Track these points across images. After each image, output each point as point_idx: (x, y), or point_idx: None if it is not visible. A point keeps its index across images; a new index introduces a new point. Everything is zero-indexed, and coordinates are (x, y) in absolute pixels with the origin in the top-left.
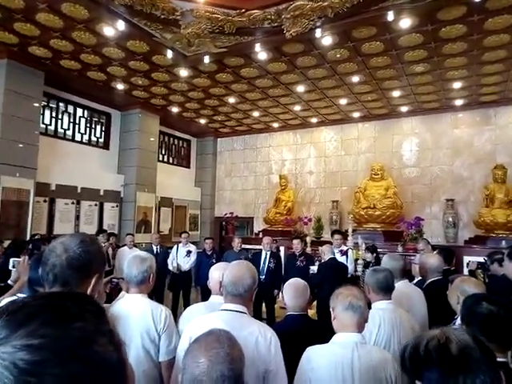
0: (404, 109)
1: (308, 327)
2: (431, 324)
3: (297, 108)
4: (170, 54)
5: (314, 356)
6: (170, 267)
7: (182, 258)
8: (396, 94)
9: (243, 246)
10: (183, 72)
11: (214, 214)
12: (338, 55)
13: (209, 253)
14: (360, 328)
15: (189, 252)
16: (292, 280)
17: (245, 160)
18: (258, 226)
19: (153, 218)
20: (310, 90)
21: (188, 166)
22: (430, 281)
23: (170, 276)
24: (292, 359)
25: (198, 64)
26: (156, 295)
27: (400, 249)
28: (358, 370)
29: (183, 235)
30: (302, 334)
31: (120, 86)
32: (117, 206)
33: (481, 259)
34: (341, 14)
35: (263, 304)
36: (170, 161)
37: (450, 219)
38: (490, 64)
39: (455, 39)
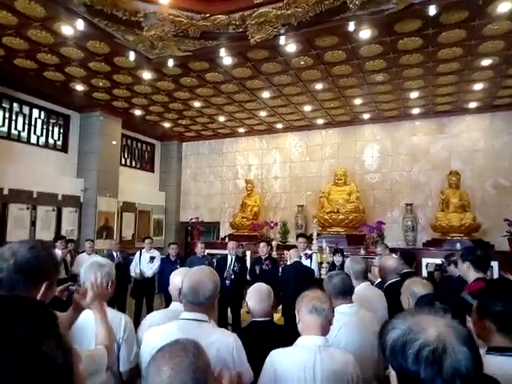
0: (366, 116)
1: (272, 333)
2: None
3: (262, 113)
4: (132, 56)
5: (278, 359)
6: (133, 274)
7: (145, 264)
8: (358, 101)
9: (209, 251)
10: (146, 75)
11: (179, 218)
12: (302, 62)
13: (173, 259)
14: (324, 331)
15: (152, 258)
16: (256, 285)
17: (211, 164)
18: (224, 230)
19: (115, 224)
20: (275, 96)
21: (152, 170)
22: (388, 282)
23: (133, 283)
24: (257, 365)
25: (162, 67)
26: (118, 303)
27: (363, 252)
28: (320, 373)
29: (146, 241)
30: (266, 340)
31: (79, 88)
32: (76, 212)
33: (438, 261)
34: (304, 22)
35: (228, 309)
36: (133, 165)
37: (409, 223)
38: (444, 75)
39: (412, 51)
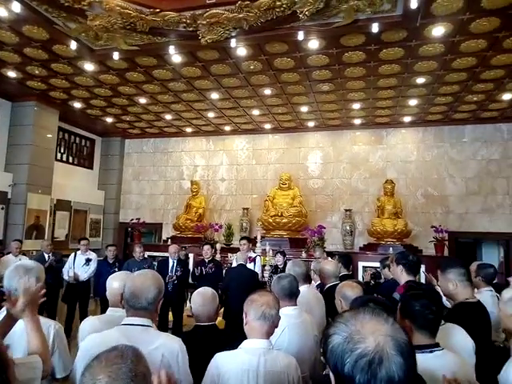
0: (311, 124)
1: (216, 338)
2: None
3: (210, 114)
4: (73, 45)
5: (222, 362)
6: (66, 277)
7: (79, 266)
8: (304, 109)
9: (151, 253)
10: (89, 66)
11: (119, 219)
12: (252, 67)
13: (111, 261)
14: (269, 334)
15: (88, 260)
16: (200, 289)
17: (155, 164)
18: (167, 232)
19: (47, 223)
20: (224, 98)
21: (91, 167)
22: (328, 286)
23: (65, 287)
24: (200, 370)
25: (107, 59)
26: (48, 309)
27: (304, 255)
28: (262, 376)
29: (82, 242)
30: (210, 344)
31: (12, 74)
32: (2, 209)
33: (373, 264)
34: (255, 27)
35: (170, 313)
36: (70, 160)
37: (348, 228)
38: (384, 89)
39: (355, 64)
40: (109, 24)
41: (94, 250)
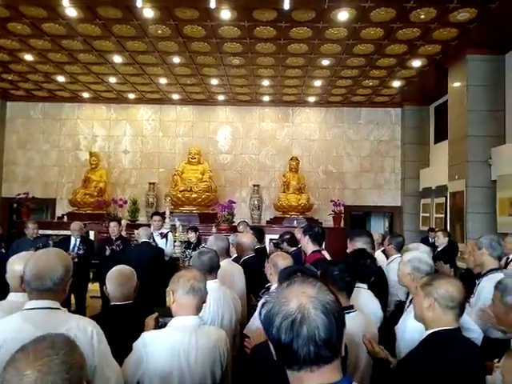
0: (220, 97)
1: (135, 316)
2: (248, 293)
3: (112, 80)
4: None
5: (151, 341)
6: None
7: None
8: (214, 81)
9: (43, 231)
10: None
11: (1, 193)
12: (160, 31)
13: None
14: (199, 310)
15: None
16: (117, 267)
17: (45, 131)
18: (62, 208)
19: None
20: (128, 62)
21: None
22: (244, 258)
23: None
24: (120, 351)
25: None
26: None
27: (214, 229)
28: (194, 353)
29: None
30: (129, 324)
31: None
32: None
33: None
34: None
35: (72, 294)
36: None
37: (256, 202)
38: (292, 68)
39: (266, 40)
40: None
41: None
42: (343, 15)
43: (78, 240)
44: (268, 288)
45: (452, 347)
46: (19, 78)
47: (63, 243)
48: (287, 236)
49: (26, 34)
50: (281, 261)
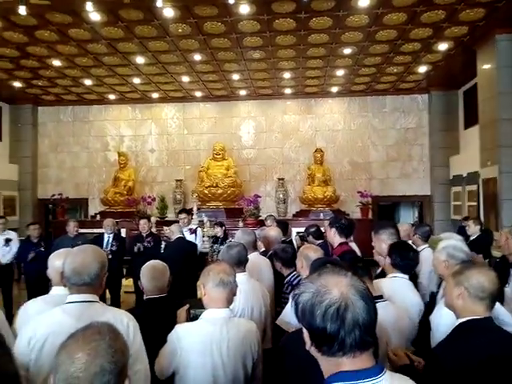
0: (242, 92)
1: (170, 308)
2: (277, 287)
3: (136, 80)
4: None
5: (184, 334)
6: None
7: None
8: (235, 77)
9: (79, 230)
10: None
11: (37, 195)
12: (180, 30)
13: (35, 240)
14: (229, 302)
15: (8, 240)
16: (151, 262)
17: (75, 134)
18: (95, 207)
19: None
20: (151, 63)
21: None
22: (272, 250)
23: None
24: (156, 342)
25: (11, 14)
26: None
27: (241, 224)
28: (226, 345)
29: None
30: (163, 315)
31: None
32: None
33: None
34: None
35: (106, 290)
36: None
37: (281, 196)
38: (313, 59)
39: (286, 32)
40: None
41: (11, 230)
42: (364, 2)
43: (111, 237)
44: (290, 281)
45: (481, 335)
46: (49, 84)
47: (97, 241)
48: (313, 229)
49: (54, 40)
50: (312, 253)
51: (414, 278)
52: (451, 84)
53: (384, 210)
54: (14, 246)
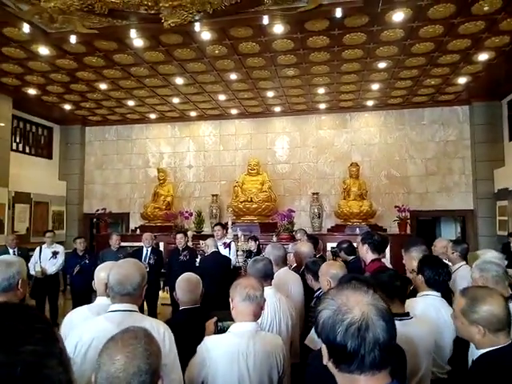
0: (277, 109)
1: (202, 318)
2: (306, 303)
3: (175, 100)
4: (26, 28)
5: (212, 346)
6: (32, 272)
7: (46, 260)
8: (270, 94)
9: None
10: (43, 50)
11: (83, 210)
12: (217, 51)
13: (81, 253)
14: (256, 316)
15: (55, 253)
16: (185, 275)
17: (118, 152)
18: (135, 222)
19: (6, 217)
20: (189, 83)
21: (50, 157)
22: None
23: (33, 282)
24: (189, 351)
25: (63, 43)
26: None
27: (275, 238)
28: (252, 358)
29: (48, 234)
30: (197, 325)
31: None
32: None
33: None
34: (219, 11)
35: (144, 302)
36: (27, 150)
37: (316, 210)
38: (347, 74)
39: (320, 49)
40: (65, 6)
41: (58, 243)
42: (398, 16)
43: (149, 250)
44: (319, 296)
45: (507, 364)
46: (95, 105)
47: (136, 254)
48: (345, 245)
49: (100, 65)
50: (338, 270)
51: (449, 296)
52: (494, 94)
53: (424, 225)
54: (61, 258)
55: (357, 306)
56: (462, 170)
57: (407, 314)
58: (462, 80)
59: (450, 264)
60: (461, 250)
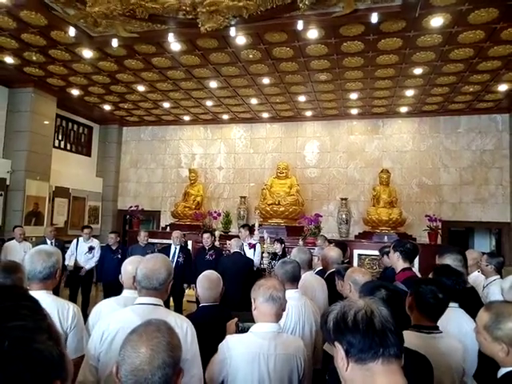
0: (308, 113)
1: (221, 316)
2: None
3: (209, 103)
4: (72, 31)
5: (233, 345)
6: (67, 262)
7: (82, 254)
8: (302, 98)
9: (149, 240)
10: (87, 53)
11: (118, 206)
12: (251, 56)
13: (114, 247)
14: (278, 318)
15: (91, 248)
16: (206, 272)
17: (152, 152)
18: (165, 219)
19: (46, 210)
20: (223, 86)
21: (89, 155)
22: (330, 271)
23: (68, 272)
24: (206, 347)
25: (105, 46)
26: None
27: (301, 242)
28: (273, 359)
29: (85, 230)
30: (215, 322)
31: (9, 60)
32: (1, 195)
33: (367, 252)
34: (255, 16)
35: (171, 298)
36: (68, 147)
37: (344, 216)
38: (381, 80)
39: (354, 54)
40: (108, 11)
41: (93, 237)
42: (437, 21)
43: (178, 248)
44: None
45: None
46: (133, 106)
47: (164, 251)
48: (387, 249)
49: (139, 68)
50: (360, 276)
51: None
52: None
53: (456, 236)
54: (97, 254)
55: (358, 300)
56: (500, 180)
57: (436, 328)
58: (502, 87)
59: (482, 276)
60: (496, 263)
